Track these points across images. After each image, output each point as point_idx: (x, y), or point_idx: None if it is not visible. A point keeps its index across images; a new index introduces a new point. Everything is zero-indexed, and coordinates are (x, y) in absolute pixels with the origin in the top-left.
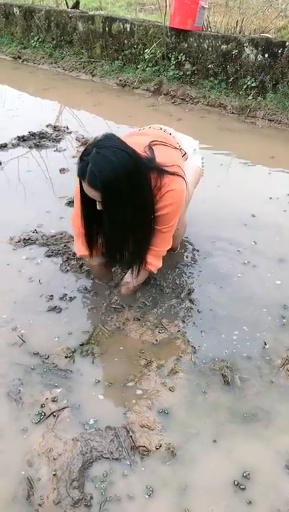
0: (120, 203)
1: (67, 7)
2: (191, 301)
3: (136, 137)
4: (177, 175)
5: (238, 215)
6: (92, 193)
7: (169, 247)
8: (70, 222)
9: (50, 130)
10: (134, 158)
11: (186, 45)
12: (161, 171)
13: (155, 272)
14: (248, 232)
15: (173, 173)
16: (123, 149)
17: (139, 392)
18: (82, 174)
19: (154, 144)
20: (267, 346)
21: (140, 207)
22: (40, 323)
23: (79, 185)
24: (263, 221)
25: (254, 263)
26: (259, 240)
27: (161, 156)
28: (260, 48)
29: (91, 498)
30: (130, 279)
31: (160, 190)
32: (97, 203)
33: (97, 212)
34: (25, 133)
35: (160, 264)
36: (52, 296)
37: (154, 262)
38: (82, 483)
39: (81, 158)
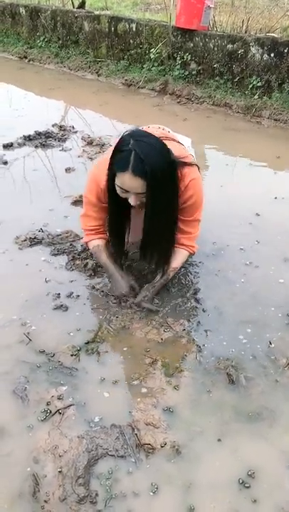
0: (164, 190)
1: (73, 7)
2: (197, 300)
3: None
4: (193, 165)
5: (244, 214)
6: (135, 183)
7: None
8: (75, 221)
9: (56, 130)
10: (168, 148)
11: (191, 44)
12: (181, 163)
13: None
14: (253, 231)
15: (190, 164)
16: (158, 139)
17: (144, 390)
18: (124, 165)
19: (163, 139)
20: (272, 345)
21: (176, 195)
22: (47, 322)
23: (107, 184)
24: (268, 221)
25: (259, 262)
26: (264, 239)
27: (174, 149)
28: (265, 48)
29: (96, 495)
30: (147, 292)
31: (182, 180)
32: (133, 197)
33: (125, 209)
34: (31, 132)
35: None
36: (58, 294)
37: (195, 244)
38: (87, 480)
39: (119, 150)
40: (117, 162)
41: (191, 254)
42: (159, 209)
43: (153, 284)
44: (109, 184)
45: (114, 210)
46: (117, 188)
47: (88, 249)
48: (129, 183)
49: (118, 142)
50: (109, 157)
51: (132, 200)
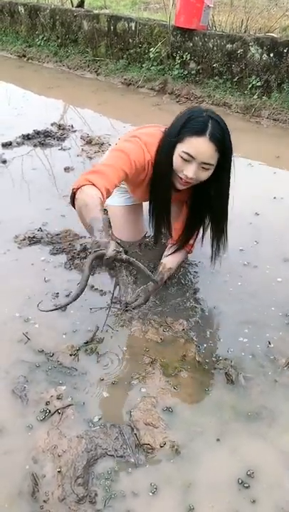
0: (227, 170)
1: (72, 6)
2: (196, 300)
3: (145, 129)
4: None
5: (243, 214)
6: (208, 150)
7: None
8: (74, 220)
9: (54, 129)
10: None
11: (191, 44)
12: None
13: None
14: (252, 231)
15: None
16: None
17: (143, 390)
18: (201, 129)
19: None
20: (271, 345)
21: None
22: (46, 321)
23: (159, 154)
24: (267, 220)
25: (258, 262)
26: (263, 239)
27: None
28: (265, 48)
29: (96, 495)
30: (141, 294)
31: None
32: (195, 166)
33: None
34: (30, 131)
35: None
36: (57, 293)
37: (195, 244)
38: (86, 480)
39: (193, 118)
40: (192, 126)
41: (187, 253)
42: (228, 182)
43: (147, 287)
44: (164, 153)
45: (158, 187)
46: (181, 155)
47: (73, 197)
48: (203, 147)
49: (186, 113)
50: (169, 128)
51: (190, 171)
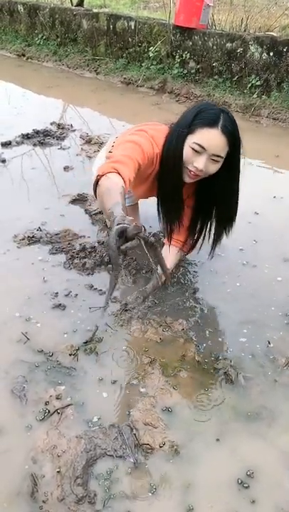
0: (237, 166)
1: (72, 4)
2: (196, 299)
3: (148, 126)
4: None
5: (242, 213)
6: (219, 142)
7: None
8: (73, 219)
9: (54, 128)
10: None
11: (190, 43)
12: None
13: None
14: (252, 230)
15: None
16: None
17: (142, 390)
18: (213, 121)
19: None
20: (271, 345)
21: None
22: (45, 321)
23: (167, 146)
24: (266, 220)
25: (258, 262)
26: (262, 238)
27: None
28: (265, 47)
29: (95, 495)
30: (139, 295)
31: None
32: (205, 157)
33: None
34: (30, 130)
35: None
36: (56, 293)
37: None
38: (86, 480)
39: (204, 110)
40: (204, 118)
41: (184, 254)
42: (238, 174)
43: (144, 289)
44: (174, 145)
45: (167, 180)
46: (192, 147)
47: (96, 183)
48: (214, 139)
49: (197, 106)
50: (179, 120)
51: (200, 162)
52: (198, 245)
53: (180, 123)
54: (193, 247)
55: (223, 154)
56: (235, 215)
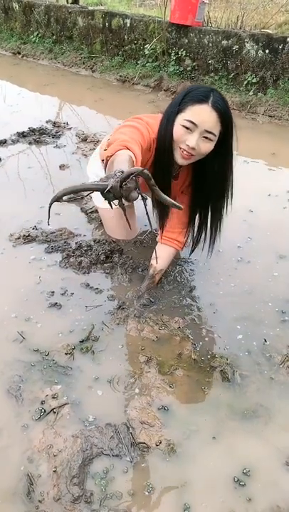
0: (229, 145)
1: (67, 2)
2: (192, 297)
3: (142, 115)
4: None
5: (237, 211)
6: (210, 117)
7: None
8: (69, 218)
9: (50, 126)
10: None
11: (186, 40)
12: None
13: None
14: (246, 228)
15: None
16: None
17: (139, 388)
18: (203, 97)
19: None
20: (267, 343)
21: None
22: (41, 320)
23: (162, 127)
24: (261, 217)
25: (254, 259)
26: (257, 235)
27: None
28: (260, 44)
29: (91, 494)
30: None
31: None
32: (196, 134)
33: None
34: (25, 129)
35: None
36: (53, 292)
37: (183, 240)
38: (82, 479)
39: (195, 89)
40: (194, 96)
41: (178, 251)
42: (231, 155)
43: (139, 290)
44: (165, 125)
45: (160, 163)
46: (183, 124)
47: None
48: (204, 114)
49: (188, 87)
50: (170, 103)
51: (192, 140)
52: (191, 243)
53: (171, 104)
54: (182, 243)
55: (216, 131)
56: (229, 197)
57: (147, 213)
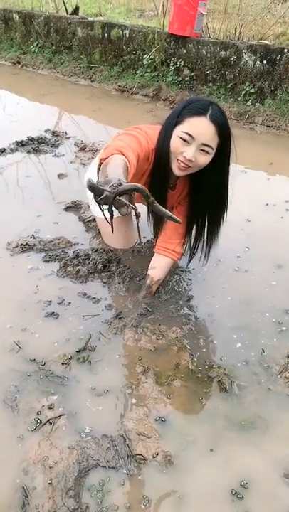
0: (226, 160)
1: (67, 13)
2: (190, 307)
3: (141, 126)
4: None
5: (235, 220)
6: (208, 130)
7: None
8: (67, 227)
9: (48, 135)
10: None
11: (184, 51)
12: None
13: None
14: (244, 237)
15: None
16: None
17: (136, 399)
18: (202, 110)
19: None
20: (265, 353)
21: (228, 176)
22: (37, 329)
23: (161, 139)
24: (258, 227)
25: (251, 269)
26: (255, 245)
27: None
28: (258, 55)
29: (87, 507)
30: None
31: None
32: (194, 147)
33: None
34: (24, 138)
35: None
36: (50, 301)
37: (181, 250)
38: (78, 492)
39: (194, 101)
40: (192, 108)
41: (175, 261)
42: (227, 169)
43: (136, 300)
44: (163, 137)
45: (157, 173)
46: (180, 136)
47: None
48: (202, 127)
49: (186, 99)
50: (168, 115)
51: (189, 152)
52: (189, 252)
53: (169, 116)
54: (183, 253)
55: (213, 145)
56: (226, 207)
57: (139, 232)
